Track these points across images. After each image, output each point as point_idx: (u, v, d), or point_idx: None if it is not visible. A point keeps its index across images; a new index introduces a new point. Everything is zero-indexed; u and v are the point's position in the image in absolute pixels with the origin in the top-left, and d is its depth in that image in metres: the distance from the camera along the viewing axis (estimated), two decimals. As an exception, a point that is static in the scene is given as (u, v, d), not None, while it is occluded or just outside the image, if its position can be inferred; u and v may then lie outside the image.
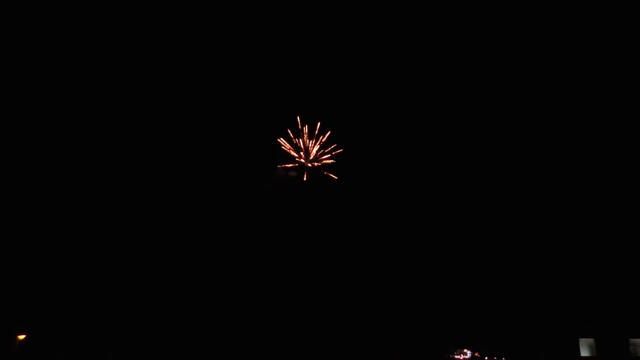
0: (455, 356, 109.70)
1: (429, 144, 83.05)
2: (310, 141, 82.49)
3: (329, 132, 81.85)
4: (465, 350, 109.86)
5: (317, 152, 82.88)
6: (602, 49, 68.99)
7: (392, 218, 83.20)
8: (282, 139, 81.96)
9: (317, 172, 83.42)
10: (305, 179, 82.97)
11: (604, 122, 70.93)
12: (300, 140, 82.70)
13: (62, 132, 71.76)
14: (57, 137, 71.74)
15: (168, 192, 77.29)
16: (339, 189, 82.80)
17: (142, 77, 74.87)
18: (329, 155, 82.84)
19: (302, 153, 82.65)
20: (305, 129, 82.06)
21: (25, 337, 53.99)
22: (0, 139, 68.25)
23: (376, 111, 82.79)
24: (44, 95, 70.54)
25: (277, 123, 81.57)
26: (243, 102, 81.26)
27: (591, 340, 61.77)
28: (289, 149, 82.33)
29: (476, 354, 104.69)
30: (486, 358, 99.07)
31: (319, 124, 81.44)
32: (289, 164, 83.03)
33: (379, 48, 78.16)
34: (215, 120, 79.66)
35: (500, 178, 79.67)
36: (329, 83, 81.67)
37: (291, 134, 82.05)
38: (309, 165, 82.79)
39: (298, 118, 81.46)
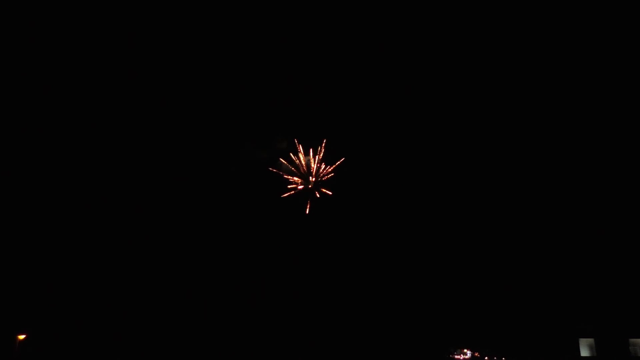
0: (455, 356, 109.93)
1: (424, 140, 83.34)
2: (313, 158, 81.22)
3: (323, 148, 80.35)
4: (465, 350, 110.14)
5: (319, 170, 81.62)
6: (602, 49, 69.06)
7: (392, 218, 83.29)
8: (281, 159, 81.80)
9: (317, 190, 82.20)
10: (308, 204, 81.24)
11: (604, 122, 71.02)
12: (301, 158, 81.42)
13: (55, 132, 71.82)
14: (53, 137, 71.83)
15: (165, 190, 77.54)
16: (338, 189, 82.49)
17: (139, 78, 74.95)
18: (330, 169, 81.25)
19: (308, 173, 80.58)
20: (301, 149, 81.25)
21: (25, 337, 53.98)
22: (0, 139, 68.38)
23: (371, 121, 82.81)
24: (39, 94, 70.59)
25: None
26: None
27: (591, 340, 61.68)
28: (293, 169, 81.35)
29: (476, 354, 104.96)
30: (486, 358, 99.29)
31: (324, 142, 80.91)
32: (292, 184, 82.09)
33: (376, 53, 78.38)
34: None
35: (499, 178, 79.82)
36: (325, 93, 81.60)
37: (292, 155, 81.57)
38: (313, 181, 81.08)
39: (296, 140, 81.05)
